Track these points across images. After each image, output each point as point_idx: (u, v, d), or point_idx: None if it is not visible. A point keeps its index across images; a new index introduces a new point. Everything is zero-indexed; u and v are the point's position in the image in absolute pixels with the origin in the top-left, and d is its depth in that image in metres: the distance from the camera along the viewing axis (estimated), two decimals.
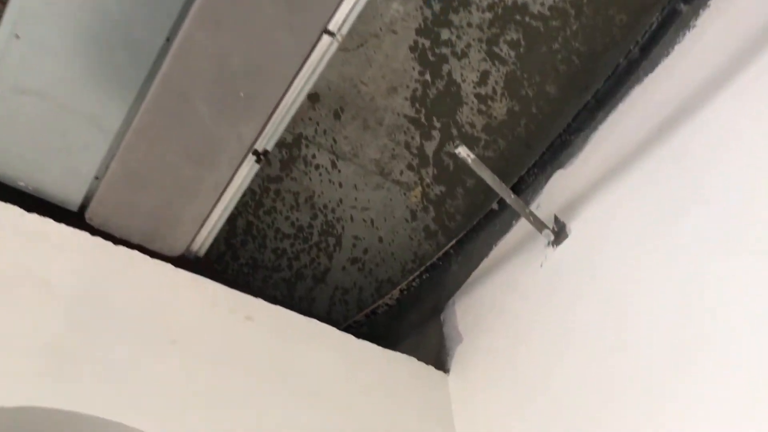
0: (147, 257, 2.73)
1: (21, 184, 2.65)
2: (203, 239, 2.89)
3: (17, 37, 2.32)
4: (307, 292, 3.64)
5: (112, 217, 2.74)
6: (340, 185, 3.47)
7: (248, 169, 2.73)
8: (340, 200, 3.49)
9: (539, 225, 2.82)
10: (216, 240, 2.95)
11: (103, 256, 2.62)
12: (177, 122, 2.54)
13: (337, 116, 3.32)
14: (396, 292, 3.44)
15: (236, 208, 2.91)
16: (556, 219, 2.84)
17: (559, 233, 2.77)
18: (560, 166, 3.05)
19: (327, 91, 3.25)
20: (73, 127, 2.57)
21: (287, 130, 2.83)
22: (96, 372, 2.27)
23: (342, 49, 2.73)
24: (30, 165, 2.61)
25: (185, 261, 2.88)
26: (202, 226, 2.83)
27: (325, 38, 2.45)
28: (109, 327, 2.42)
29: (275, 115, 2.57)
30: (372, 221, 3.55)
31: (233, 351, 2.64)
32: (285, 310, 2.92)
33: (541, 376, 2.54)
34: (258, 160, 2.71)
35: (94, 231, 2.69)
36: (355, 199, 3.51)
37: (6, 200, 2.51)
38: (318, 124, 3.33)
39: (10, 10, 2.28)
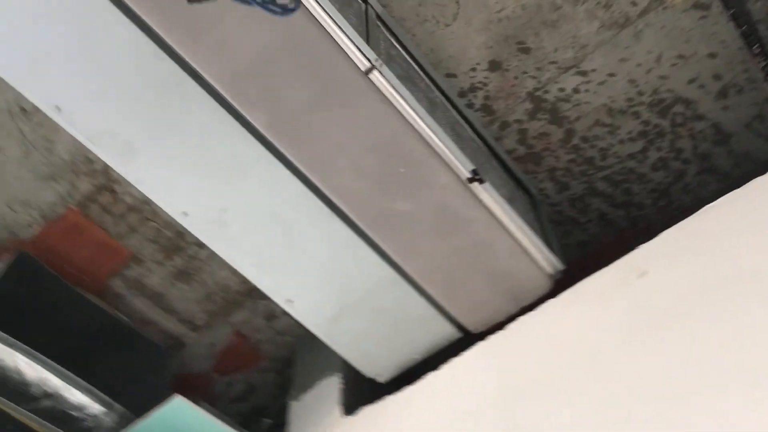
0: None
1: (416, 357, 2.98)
2: (548, 256, 2.70)
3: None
4: None
5: (481, 312, 2.82)
6: None
7: (487, 195, 2.51)
8: None
9: None
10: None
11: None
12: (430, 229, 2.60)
13: None
14: None
15: None
16: None
17: None
18: None
19: None
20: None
21: None
22: None
23: None
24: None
25: (560, 282, 2.73)
26: (529, 254, 2.66)
27: None
28: None
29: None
30: None
31: None
32: None
33: None
34: (480, 181, 2.48)
35: (482, 335, 2.80)
36: None
37: None
38: None
39: None
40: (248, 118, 2.30)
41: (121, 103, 2.27)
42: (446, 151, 2.43)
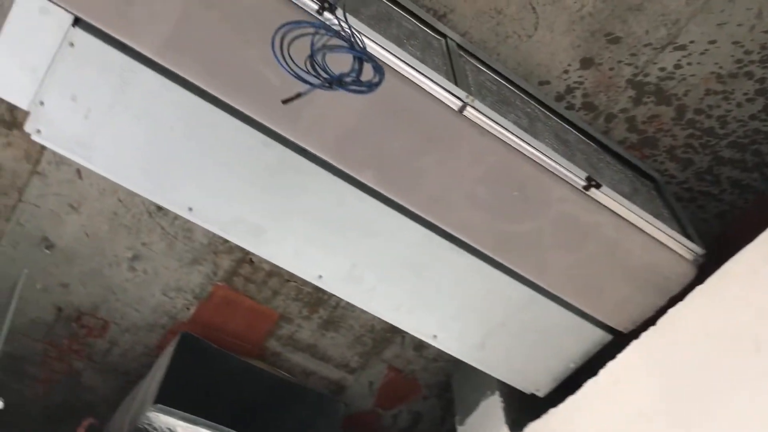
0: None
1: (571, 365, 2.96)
2: (684, 243, 2.62)
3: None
4: None
5: (628, 311, 2.77)
6: None
7: (606, 197, 2.48)
8: None
9: None
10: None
11: None
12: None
13: None
14: None
15: None
16: None
17: None
18: None
19: None
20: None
21: None
22: None
23: None
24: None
25: (705, 265, 2.63)
26: (664, 244, 2.60)
27: None
28: None
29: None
30: None
31: None
32: None
33: None
34: (596, 186, 2.45)
35: (634, 334, 2.74)
36: None
37: None
38: None
39: None
40: (358, 177, 2.40)
41: (243, 192, 2.44)
42: (555, 165, 2.42)
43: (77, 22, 2.09)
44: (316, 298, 3.66)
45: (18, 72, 2.19)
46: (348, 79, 1.76)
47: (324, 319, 3.76)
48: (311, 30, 1.80)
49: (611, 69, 2.86)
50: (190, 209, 2.47)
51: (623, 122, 3.02)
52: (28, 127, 2.27)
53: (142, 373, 3.89)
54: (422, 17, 2.67)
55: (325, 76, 1.72)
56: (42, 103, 2.21)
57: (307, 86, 1.74)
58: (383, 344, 3.89)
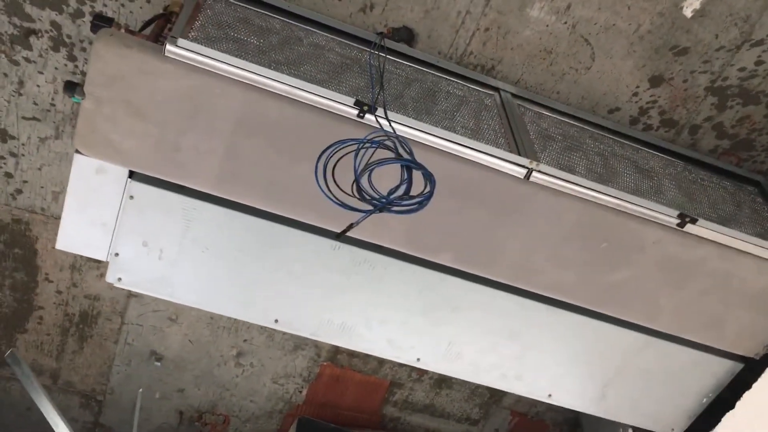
0: None
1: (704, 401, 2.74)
2: None
3: None
4: None
5: (755, 337, 2.53)
6: None
7: (705, 229, 2.29)
8: None
9: None
10: None
11: None
12: None
13: None
14: None
15: None
16: None
17: None
18: None
19: None
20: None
21: None
22: None
23: None
24: None
25: None
26: None
27: None
28: None
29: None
30: None
31: None
32: None
33: None
34: (692, 221, 2.25)
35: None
36: None
37: None
38: None
39: None
40: (436, 261, 2.32)
41: (323, 296, 2.41)
42: (641, 208, 2.24)
43: (132, 175, 2.14)
44: None
45: (90, 229, 2.25)
46: (397, 199, 1.67)
47: (435, 378, 3.68)
48: (354, 147, 1.74)
49: (685, 81, 2.63)
50: (276, 321, 2.46)
51: (710, 131, 2.78)
52: (109, 277, 2.33)
53: None
54: (470, 77, 2.56)
55: (370, 200, 1.65)
56: (117, 254, 2.27)
57: (359, 215, 1.67)
58: (501, 392, 3.76)
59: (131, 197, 2.15)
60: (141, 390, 3.39)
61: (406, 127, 2.07)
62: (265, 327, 3.36)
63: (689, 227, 2.28)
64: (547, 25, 2.51)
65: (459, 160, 2.12)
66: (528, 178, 2.15)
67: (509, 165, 2.13)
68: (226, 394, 3.66)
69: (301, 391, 3.68)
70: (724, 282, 2.41)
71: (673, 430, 2.88)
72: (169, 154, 2.04)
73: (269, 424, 3.83)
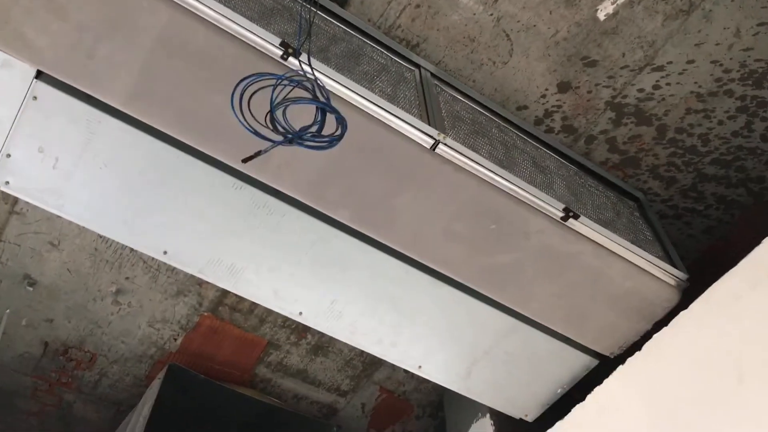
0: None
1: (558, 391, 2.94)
2: (667, 269, 2.60)
3: None
4: None
5: (612, 337, 2.75)
6: None
7: (585, 227, 2.46)
8: None
9: None
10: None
11: None
12: None
13: None
14: None
15: None
16: None
17: None
18: None
19: None
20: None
21: None
22: None
23: None
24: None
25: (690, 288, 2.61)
26: (645, 271, 2.58)
27: None
28: None
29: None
30: None
31: None
32: None
33: None
34: (575, 216, 2.42)
35: (621, 359, 2.71)
36: None
37: None
38: None
39: None
40: (334, 216, 2.38)
41: (217, 234, 2.41)
42: (532, 197, 2.39)
43: (40, 75, 2.07)
44: (304, 325, 3.63)
45: None
46: (308, 135, 1.72)
47: (312, 344, 3.74)
48: (273, 81, 1.77)
49: (589, 92, 2.82)
50: (165, 252, 2.44)
51: (604, 143, 2.99)
52: None
53: (134, 403, 3.87)
54: (395, 48, 2.64)
55: (283, 132, 1.69)
56: (9, 156, 2.19)
57: (267, 143, 1.71)
58: (373, 366, 3.87)
59: (35, 98, 2.08)
60: (8, 311, 3.26)
61: (326, 78, 2.12)
62: (150, 267, 3.31)
63: (571, 222, 2.46)
64: (474, 14, 2.63)
65: (371, 120, 2.18)
66: (434, 149, 2.25)
67: (418, 133, 2.22)
68: (97, 331, 3.57)
69: (176, 339, 3.64)
70: (594, 279, 2.60)
71: (526, 416, 3.07)
72: (83, 60, 1.99)
73: (138, 368, 3.76)
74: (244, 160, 1.71)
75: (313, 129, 1.73)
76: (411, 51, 2.69)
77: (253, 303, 3.50)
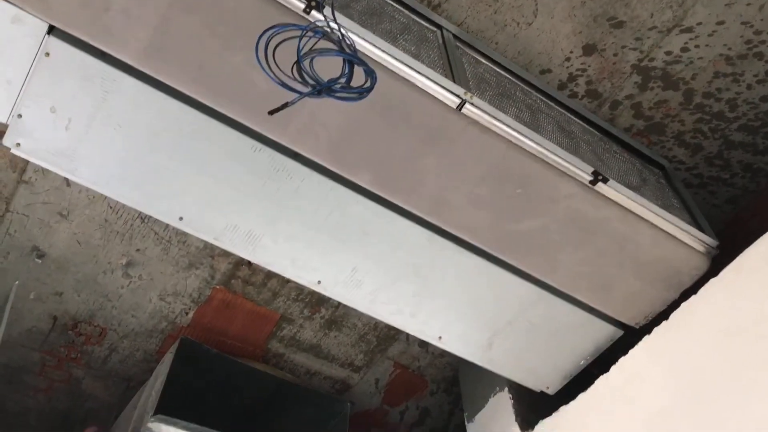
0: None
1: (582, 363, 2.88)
2: (696, 235, 2.52)
3: None
4: None
5: (638, 306, 2.68)
6: None
7: (614, 191, 2.38)
8: None
9: None
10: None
11: None
12: None
13: None
14: None
15: None
16: None
17: None
18: None
19: None
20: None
21: None
22: None
23: None
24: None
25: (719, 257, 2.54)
26: (674, 237, 2.50)
27: None
28: None
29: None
30: None
31: None
32: None
33: None
34: (603, 180, 2.34)
35: (646, 329, 2.65)
36: None
37: None
38: None
39: None
40: (354, 180, 2.30)
41: (234, 198, 2.34)
42: (560, 160, 2.31)
43: (52, 30, 1.99)
44: (318, 298, 3.57)
45: None
46: (337, 86, 1.64)
47: (326, 318, 3.67)
48: (298, 33, 1.69)
49: (615, 55, 2.73)
50: (181, 218, 2.37)
51: (629, 109, 2.90)
52: (7, 140, 2.16)
53: (144, 379, 3.82)
54: (416, 8, 2.55)
55: (312, 83, 1.61)
56: (20, 116, 2.11)
57: (295, 95, 1.63)
58: (388, 341, 3.81)
59: (47, 54, 1.99)
60: (17, 282, 3.19)
61: (350, 33, 2.03)
62: (161, 238, 3.23)
63: (600, 186, 2.38)
64: None
65: (396, 78, 2.10)
66: (460, 109, 2.16)
67: (444, 92, 2.14)
68: (107, 305, 3.50)
69: (188, 313, 3.58)
70: (622, 246, 2.52)
71: (548, 388, 3.01)
72: (98, 13, 1.91)
73: (148, 342, 3.70)
74: (271, 112, 1.63)
75: (342, 81, 1.65)
76: (432, 11, 2.60)
77: (267, 276, 3.44)
